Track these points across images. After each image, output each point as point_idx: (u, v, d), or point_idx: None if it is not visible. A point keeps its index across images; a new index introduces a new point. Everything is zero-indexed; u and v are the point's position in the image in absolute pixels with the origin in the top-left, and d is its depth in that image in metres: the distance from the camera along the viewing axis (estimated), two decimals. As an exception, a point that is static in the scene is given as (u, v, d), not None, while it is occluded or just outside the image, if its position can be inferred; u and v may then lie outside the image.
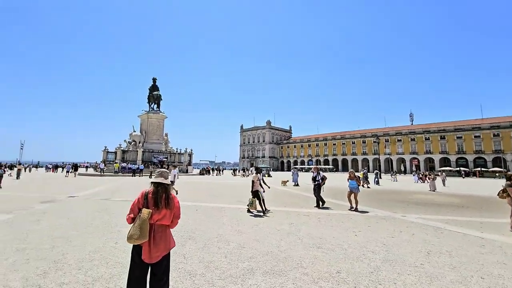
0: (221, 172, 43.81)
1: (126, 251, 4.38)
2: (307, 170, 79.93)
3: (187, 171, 38.94)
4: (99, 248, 4.67)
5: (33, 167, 54.86)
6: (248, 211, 8.63)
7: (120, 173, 33.08)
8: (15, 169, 26.69)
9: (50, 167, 46.57)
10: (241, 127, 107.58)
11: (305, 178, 26.42)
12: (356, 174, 10.77)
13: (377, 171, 25.95)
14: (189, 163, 40.88)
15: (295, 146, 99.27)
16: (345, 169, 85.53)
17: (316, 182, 10.10)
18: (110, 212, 8.24)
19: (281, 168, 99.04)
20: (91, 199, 11.14)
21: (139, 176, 31.18)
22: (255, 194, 8.74)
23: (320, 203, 9.91)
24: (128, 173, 32.46)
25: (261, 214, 8.27)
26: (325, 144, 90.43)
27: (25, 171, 36.69)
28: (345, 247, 4.99)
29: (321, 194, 10.05)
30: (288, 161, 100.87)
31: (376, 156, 67.51)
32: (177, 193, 10.99)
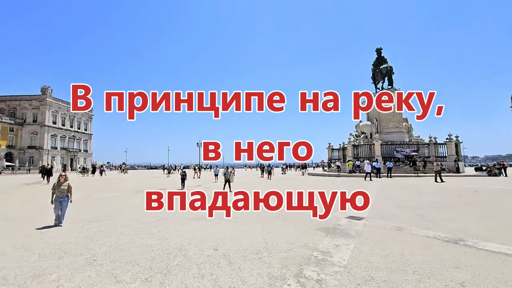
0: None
1: None
2: None
3: (457, 170, 24.32)
4: None
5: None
6: None
7: (355, 173, 26.64)
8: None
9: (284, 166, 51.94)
10: None
11: None
12: None
13: None
14: (458, 158, 25.66)
15: None
16: None
17: None
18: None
19: None
20: (379, 226, 3.87)
21: (388, 176, 22.40)
22: None
23: None
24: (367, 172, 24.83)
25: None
26: None
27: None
28: None
29: None
30: None
31: None
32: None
